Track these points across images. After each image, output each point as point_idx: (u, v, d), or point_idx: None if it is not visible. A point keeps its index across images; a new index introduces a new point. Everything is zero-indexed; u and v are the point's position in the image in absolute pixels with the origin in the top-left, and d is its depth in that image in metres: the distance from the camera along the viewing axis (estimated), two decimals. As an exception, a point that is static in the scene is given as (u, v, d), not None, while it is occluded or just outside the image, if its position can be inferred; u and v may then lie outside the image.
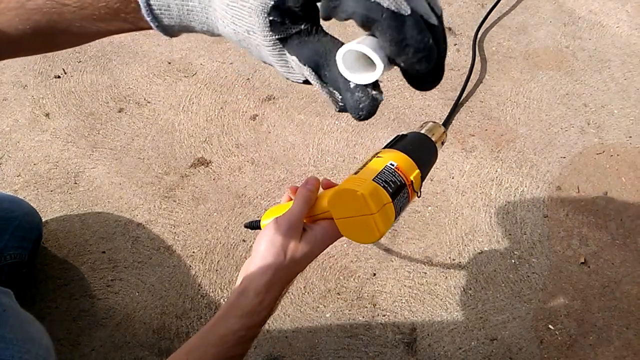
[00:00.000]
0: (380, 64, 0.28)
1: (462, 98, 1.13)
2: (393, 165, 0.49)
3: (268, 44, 0.29)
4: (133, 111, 1.12)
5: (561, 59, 1.22)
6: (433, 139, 0.55)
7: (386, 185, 0.46)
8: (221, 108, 1.12)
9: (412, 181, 0.48)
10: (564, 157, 1.04)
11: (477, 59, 1.22)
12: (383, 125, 1.08)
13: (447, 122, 1.09)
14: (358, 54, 0.29)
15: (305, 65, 0.30)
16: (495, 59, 1.22)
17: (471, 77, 1.18)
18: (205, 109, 1.12)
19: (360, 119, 0.30)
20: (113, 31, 0.34)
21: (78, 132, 1.08)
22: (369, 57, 0.28)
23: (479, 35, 1.27)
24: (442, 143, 0.56)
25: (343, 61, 0.29)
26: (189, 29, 0.33)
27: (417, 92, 1.14)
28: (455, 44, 1.25)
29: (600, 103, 1.13)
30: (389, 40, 0.27)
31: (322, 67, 0.30)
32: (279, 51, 0.30)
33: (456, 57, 1.22)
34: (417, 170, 0.50)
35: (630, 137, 1.07)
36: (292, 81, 0.32)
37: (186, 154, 1.04)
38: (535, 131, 1.08)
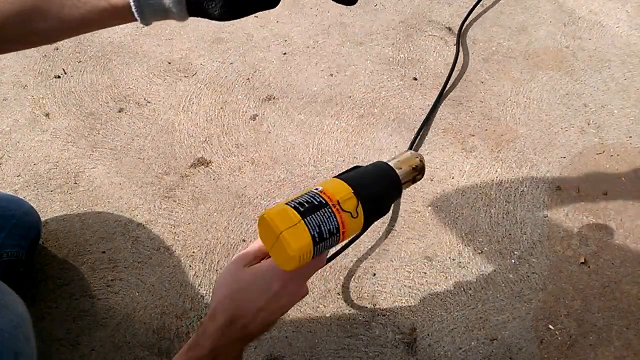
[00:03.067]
0: None
1: (447, 89, 1.15)
2: (317, 189, 0.48)
3: None
4: (133, 111, 1.12)
5: (561, 59, 1.22)
6: (397, 165, 0.54)
7: (297, 206, 0.46)
8: (221, 108, 1.12)
9: (337, 201, 0.47)
10: (564, 157, 1.04)
11: (478, 58, 1.22)
12: (383, 125, 1.08)
13: (431, 115, 1.09)
14: None
15: None
16: (495, 59, 1.22)
17: (471, 77, 1.18)
18: (205, 109, 1.12)
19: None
20: (96, 21, 0.36)
21: (78, 132, 1.08)
22: None
23: (464, 28, 1.27)
24: (415, 168, 0.55)
25: None
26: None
27: (417, 92, 1.15)
28: (455, 44, 1.25)
29: (600, 103, 1.13)
30: None
31: None
32: None
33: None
34: (349, 191, 0.48)
35: (630, 137, 1.07)
36: None
37: (186, 154, 1.04)
38: (535, 131, 1.08)
